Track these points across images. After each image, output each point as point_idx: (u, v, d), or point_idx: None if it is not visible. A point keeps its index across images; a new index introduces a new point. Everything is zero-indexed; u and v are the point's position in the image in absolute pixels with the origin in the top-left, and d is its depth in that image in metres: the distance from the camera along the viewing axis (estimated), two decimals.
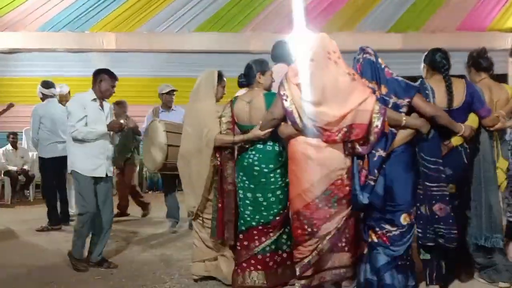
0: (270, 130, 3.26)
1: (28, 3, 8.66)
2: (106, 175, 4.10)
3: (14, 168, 8.15)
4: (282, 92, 3.13)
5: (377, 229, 3.14)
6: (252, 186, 3.41)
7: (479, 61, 3.80)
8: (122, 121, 4.26)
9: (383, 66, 3.19)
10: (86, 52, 9.58)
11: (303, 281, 3.15)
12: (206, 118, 3.52)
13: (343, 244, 3.16)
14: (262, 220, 3.37)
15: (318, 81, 3.03)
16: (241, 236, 3.45)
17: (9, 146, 8.34)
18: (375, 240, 3.16)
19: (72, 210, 6.12)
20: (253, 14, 9.62)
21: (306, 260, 3.12)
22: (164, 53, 9.87)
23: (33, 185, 8.34)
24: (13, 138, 8.32)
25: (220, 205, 3.52)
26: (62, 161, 5.77)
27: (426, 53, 3.49)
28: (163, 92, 5.92)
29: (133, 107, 9.54)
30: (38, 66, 9.25)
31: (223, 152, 3.52)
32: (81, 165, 4.01)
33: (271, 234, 3.38)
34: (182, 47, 9.77)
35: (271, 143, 3.40)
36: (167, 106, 5.90)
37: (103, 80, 4.13)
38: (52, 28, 9.17)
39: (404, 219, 3.12)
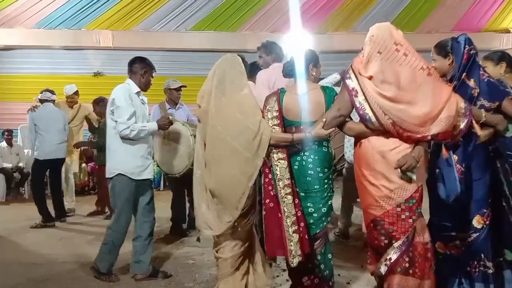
0: (333, 129, 2.88)
1: (24, 0, 8.64)
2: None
3: (9, 166, 8.12)
4: (350, 87, 2.77)
5: (448, 239, 2.93)
6: (302, 194, 2.93)
7: None
8: (170, 117, 3.94)
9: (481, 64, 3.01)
10: (82, 49, 9.58)
11: None
12: (249, 113, 2.89)
13: (407, 266, 2.73)
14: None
15: (392, 75, 2.69)
16: None
17: (4, 143, 8.31)
18: (447, 252, 2.96)
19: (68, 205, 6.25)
20: (250, 13, 9.64)
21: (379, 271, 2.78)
22: (161, 51, 9.86)
23: (28, 183, 8.30)
24: (8, 136, 8.29)
25: (299, 212, 2.90)
26: (57, 162, 5.91)
27: (498, 53, 3.41)
28: (171, 87, 5.44)
29: None
30: (34, 63, 9.24)
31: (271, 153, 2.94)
32: (129, 167, 3.59)
33: (317, 251, 2.97)
34: (179, 45, 9.77)
35: (326, 144, 3.01)
36: (173, 102, 5.48)
37: (148, 71, 3.84)
38: (48, 25, 9.15)
39: (477, 221, 2.91)
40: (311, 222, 2.92)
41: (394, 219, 2.71)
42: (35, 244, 4.90)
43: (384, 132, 2.73)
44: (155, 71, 3.90)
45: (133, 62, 3.83)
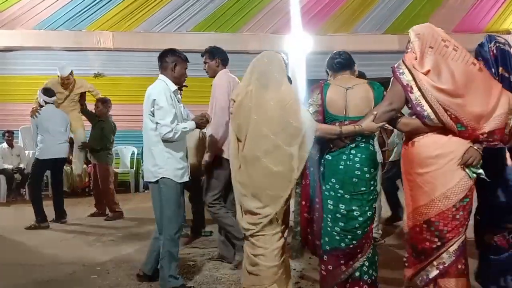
0: (384, 123, 2.78)
1: (25, 1, 8.67)
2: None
3: (10, 167, 8.13)
4: (404, 82, 2.70)
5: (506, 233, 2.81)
6: (347, 196, 2.78)
7: None
8: (206, 115, 3.69)
9: None
10: (83, 50, 9.59)
11: None
12: (291, 109, 2.82)
13: (463, 268, 2.67)
14: (353, 241, 2.76)
15: (447, 69, 2.65)
16: (325, 257, 2.82)
17: (5, 145, 8.32)
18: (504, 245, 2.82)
19: None
20: (250, 14, 9.66)
21: (427, 275, 2.69)
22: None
23: (27, 185, 8.30)
24: (9, 136, 8.30)
25: (305, 214, 2.93)
26: (58, 161, 5.89)
27: None
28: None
29: (129, 106, 9.57)
30: (35, 65, 9.25)
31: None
32: (172, 170, 3.39)
33: (359, 256, 2.79)
34: (179, 46, 9.54)
35: (372, 141, 2.88)
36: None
37: (178, 63, 3.55)
38: (50, 26, 9.17)
39: None
40: (356, 226, 2.77)
41: (449, 219, 2.63)
42: (36, 245, 4.90)
43: (440, 129, 2.67)
44: (189, 62, 3.67)
45: (162, 57, 3.59)
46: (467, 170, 2.61)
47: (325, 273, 2.83)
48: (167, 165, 3.37)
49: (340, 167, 2.79)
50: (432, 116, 2.64)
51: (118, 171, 8.88)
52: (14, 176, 8.14)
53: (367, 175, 2.80)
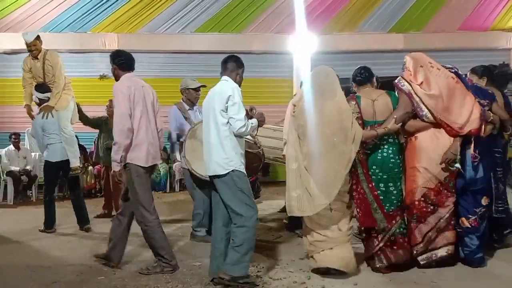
0: (400, 124, 3.75)
1: (30, 4, 8.71)
2: None
3: (17, 169, 8.16)
4: (406, 91, 3.81)
5: (470, 215, 3.87)
6: (385, 177, 3.78)
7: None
8: (263, 114, 3.89)
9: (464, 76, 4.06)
10: (88, 52, 9.63)
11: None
12: (345, 115, 3.67)
13: (451, 224, 3.83)
14: (392, 207, 3.78)
15: (433, 81, 3.78)
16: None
17: (11, 147, 8.35)
18: (468, 225, 3.86)
19: None
20: (255, 14, 9.66)
21: (429, 235, 3.77)
22: (166, 53, 9.91)
23: (35, 186, 8.36)
24: (15, 139, 8.34)
25: (358, 200, 3.81)
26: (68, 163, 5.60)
27: (481, 67, 4.47)
28: (190, 87, 5.22)
29: None
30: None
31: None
32: (239, 163, 3.56)
33: (397, 218, 3.80)
34: (184, 47, 9.80)
35: (397, 137, 3.85)
36: (191, 102, 5.25)
37: (243, 70, 3.78)
38: (54, 29, 9.22)
39: (484, 200, 3.92)
40: (392, 198, 3.79)
41: (437, 192, 3.78)
42: (43, 247, 4.92)
43: (436, 125, 3.79)
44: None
45: (228, 60, 3.74)
46: (445, 165, 3.76)
47: (375, 233, 3.79)
48: (236, 158, 3.55)
49: (379, 157, 3.80)
50: (429, 115, 3.77)
51: None
52: (21, 178, 8.16)
53: (398, 161, 3.84)
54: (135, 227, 5.81)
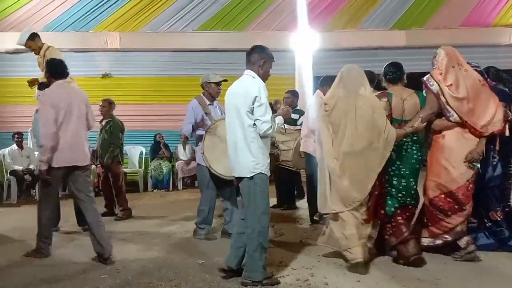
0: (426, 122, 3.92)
1: (32, 3, 8.74)
2: None
3: (20, 168, 8.19)
4: (435, 91, 3.91)
5: (497, 208, 4.12)
6: (407, 172, 3.96)
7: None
8: (289, 109, 3.87)
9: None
10: (90, 51, 9.64)
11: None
12: (380, 114, 3.78)
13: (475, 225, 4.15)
14: (413, 202, 4.00)
15: (462, 84, 3.88)
16: (398, 211, 3.97)
17: (14, 146, 8.38)
18: (498, 218, 4.13)
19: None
20: (256, 12, 9.66)
21: (458, 229, 3.93)
22: (168, 52, 9.91)
23: (39, 185, 8.36)
24: (18, 138, 8.36)
25: (377, 192, 3.98)
26: None
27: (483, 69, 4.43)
28: (212, 81, 5.04)
29: (137, 106, 9.63)
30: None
31: None
32: (264, 165, 3.49)
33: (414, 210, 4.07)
34: (186, 46, 9.80)
35: (417, 135, 4.00)
36: (213, 97, 5.07)
37: (267, 61, 3.57)
38: (56, 28, 9.23)
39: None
40: (412, 192, 3.98)
41: (464, 190, 3.91)
42: None
43: (461, 126, 3.90)
44: (274, 61, 3.64)
45: (251, 52, 3.58)
46: (469, 163, 3.91)
47: (395, 224, 3.94)
48: (263, 161, 3.48)
49: (403, 153, 3.97)
50: (455, 115, 3.88)
51: (127, 171, 8.89)
52: (24, 178, 8.19)
53: (420, 157, 4.00)
54: (139, 227, 5.85)
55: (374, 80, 4.89)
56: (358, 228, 3.79)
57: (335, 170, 3.77)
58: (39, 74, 5.63)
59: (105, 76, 9.77)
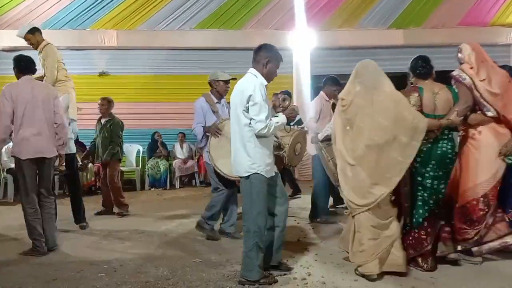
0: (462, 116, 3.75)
1: (29, 1, 8.70)
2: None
3: None
4: (468, 85, 3.78)
5: None
6: (440, 173, 3.72)
7: None
8: (296, 108, 3.81)
9: None
10: (87, 49, 9.62)
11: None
12: (404, 105, 3.60)
13: (500, 214, 3.83)
14: (439, 210, 3.74)
15: (494, 79, 3.81)
16: (425, 223, 3.72)
17: (11, 144, 8.32)
18: None
19: None
20: (254, 10, 9.64)
21: (476, 237, 3.78)
22: (165, 50, 9.90)
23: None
24: None
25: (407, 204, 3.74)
26: (68, 157, 5.58)
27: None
28: (221, 79, 4.92)
29: (134, 105, 9.61)
30: (39, 64, 9.25)
31: None
32: (262, 165, 3.43)
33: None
34: (183, 44, 9.79)
35: (452, 133, 3.78)
36: (220, 95, 4.97)
37: (271, 60, 3.53)
38: (53, 26, 9.20)
39: None
40: (440, 197, 3.73)
41: (495, 190, 3.78)
42: None
43: (497, 120, 3.80)
44: (282, 61, 3.63)
45: (258, 50, 3.54)
46: (505, 158, 3.77)
47: (417, 236, 3.70)
48: (259, 161, 3.42)
49: (438, 151, 3.71)
50: (492, 109, 3.78)
51: (124, 169, 8.89)
52: None
53: (454, 157, 3.78)
54: (136, 225, 5.84)
55: None
56: (374, 238, 3.57)
57: (348, 165, 3.60)
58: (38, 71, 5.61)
59: (102, 74, 9.74)
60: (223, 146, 4.42)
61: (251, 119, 3.38)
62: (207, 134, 4.76)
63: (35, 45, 5.62)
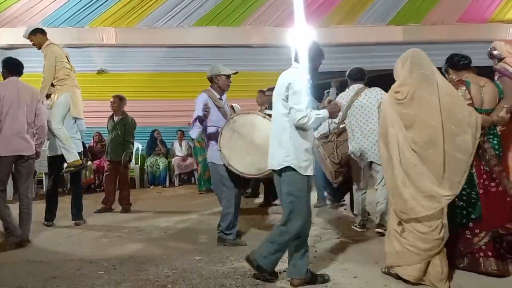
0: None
1: None
2: None
3: None
4: None
5: None
6: (487, 168, 3.51)
7: None
8: (339, 104, 3.50)
9: None
10: (85, 47, 9.59)
11: None
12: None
13: None
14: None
15: None
16: (471, 224, 3.50)
17: None
18: None
19: None
20: (253, 8, 9.62)
21: None
22: (164, 47, 9.88)
23: (35, 181, 8.34)
24: None
25: (481, 190, 3.46)
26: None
27: None
28: (223, 73, 4.65)
29: (133, 102, 9.55)
30: (38, 62, 9.15)
31: None
32: (298, 160, 3.23)
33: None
34: (182, 41, 9.77)
35: (496, 129, 3.63)
36: (222, 91, 4.70)
37: (318, 52, 3.48)
38: (52, 24, 9.17)
39: None
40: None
41: None
42: (43, 242, 4.92)
43: None
44: (324, 59, 3.54)
45: (304, 48, 3.43)
46: None
47: (470, 236, 3.47)
48: (293, 154, 3.22)
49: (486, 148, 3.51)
50: None
51: None
52: None
53: (500, 154, 3.59)
54: (135, 223, 5.84)
55: (365, 77, 4.98)
56: (416, 244, 3.29)
57: (411, 164, 3.27)
58: (31, 71, 5.76)
59: (100, 72, 9.73)
60: (236, 143, 4.28)
61: (290, 108, 3.21)
62: (210, 131, 4.54)
63: (37, 46, 5.71)
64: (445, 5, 9.78)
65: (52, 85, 5.56)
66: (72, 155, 5.44)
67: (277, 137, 3.30)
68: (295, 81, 3.22)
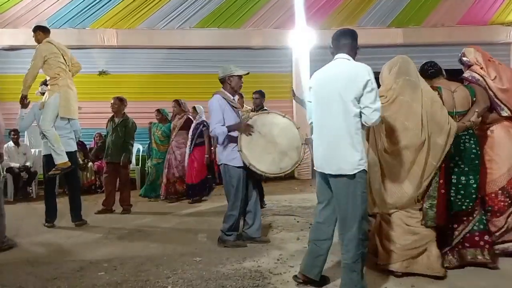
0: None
1: (28, 0, 8.68)
2: None
3: (17, 165, 8.16)
4: (483, 86, 3.87)
5: None
6: (466, 169, 3.68)
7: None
8: None
9: None
10: (87, 48, 9.61)
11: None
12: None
13: None
14: (471, 204, 3.66)
15: (503, 75, 3.91)
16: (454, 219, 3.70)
17: (11, 143, 8.34)
18: None
19: None
20: (254, 9, 9.64)
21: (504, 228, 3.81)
22: (165, 49, 9.89)
23: (35, 182, 8.36)
24: (15, 135, 8.33)
25: (443, 190, 3.58)
26: (68, 155, 5.52)
27: None
28: (236, 74, 4.55)
29: (134, 103, 9.58)
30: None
31: None
32: (366, 160, 3.13)
33: (475, 214, 3.71)
34: (183, 43, 9.78)
35: (473, 129, 3.79)
36: (235, 92, 4.61)
37: (357, 44, 3.26)
38: (53, 25, 9.17)
39: None
40: (472, 192, 3.64)
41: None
42: (43, 243, 4.93)
43: (510, 119, 3.91)
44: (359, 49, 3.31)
45: (341, 36, 3.27)
46: None
47: (450, 231, 3.70)
48: (366, 157, 3.09)
49: (461, 147, 3.70)
50: (506, 109, 3.87)
51: None
52: (20, 175, 8.16)
53: (479, 152, 3.72)
54: (136, 224, 5.84)
55: None
56: (405, 238, 3.52)
57: (389, 167, 3.54)
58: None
59: (102, 73, 9.74)
60: (257, 142, 4.27)
61: (364, 107, 2.96)
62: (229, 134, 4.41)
63: (38, 43, 5.67)
64: (446, 7, 9.79)
65: (46, 84, 5.58)
66: (60, 157, 5.38)
67: (348, 139, 2.99)
68: (372, 77, 2.96)
